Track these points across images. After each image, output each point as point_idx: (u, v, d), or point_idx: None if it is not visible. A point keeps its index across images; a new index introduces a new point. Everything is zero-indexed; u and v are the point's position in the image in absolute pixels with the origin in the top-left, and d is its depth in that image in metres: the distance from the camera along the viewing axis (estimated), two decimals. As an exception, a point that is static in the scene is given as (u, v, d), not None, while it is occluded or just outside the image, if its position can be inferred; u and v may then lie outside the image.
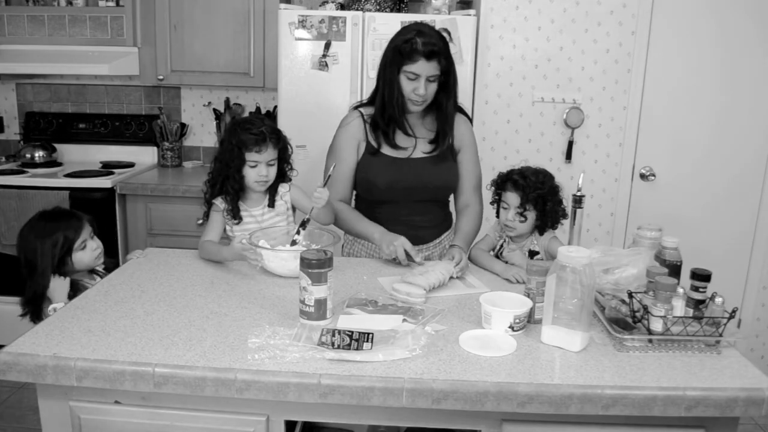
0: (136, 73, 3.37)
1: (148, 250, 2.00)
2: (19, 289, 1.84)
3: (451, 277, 1.77)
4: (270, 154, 1.94)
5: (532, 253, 1.95)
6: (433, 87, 1.91)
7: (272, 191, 2.02)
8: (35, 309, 1.84)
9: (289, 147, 2.03)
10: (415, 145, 2.02)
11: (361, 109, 2.05)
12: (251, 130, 1.93)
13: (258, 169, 1.93)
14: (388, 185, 2.01)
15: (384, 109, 1.96)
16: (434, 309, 1.56)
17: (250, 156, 1.92)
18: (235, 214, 1.96)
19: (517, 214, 1.90)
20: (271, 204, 2.01)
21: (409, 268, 1.84)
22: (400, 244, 1.88)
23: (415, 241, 2.00)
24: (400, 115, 1.96)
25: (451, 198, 2.18)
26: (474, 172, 2.12)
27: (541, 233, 1.95)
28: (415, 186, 2.01)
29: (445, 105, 1.97)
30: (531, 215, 1.91)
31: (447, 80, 1.93)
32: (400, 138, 2.00)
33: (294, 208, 2.09)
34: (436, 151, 2.03)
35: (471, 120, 2.15)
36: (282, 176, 2.03)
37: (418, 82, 1.88)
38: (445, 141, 2.03)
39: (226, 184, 1.95)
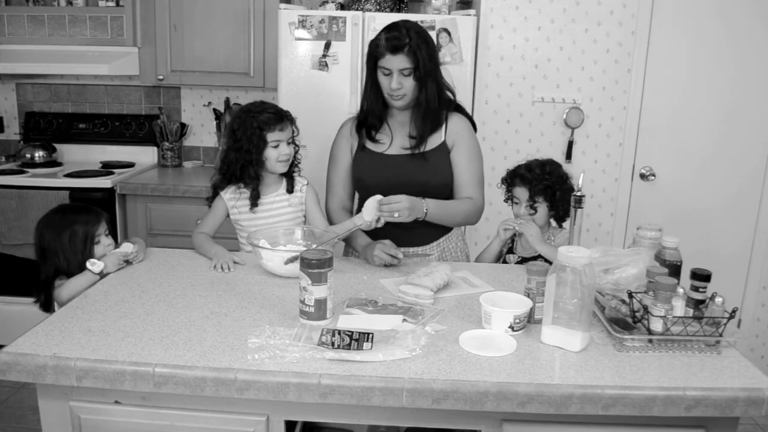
0: (136, 73, 3.36)
1: (148, 250, 1.98)
2: (20, 288, 1.85)
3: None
4: (289, 131, 2.00)
5: None
6: (409, 81, 1.90)
7: (289, 178, 2.05)
8: (46, 298, 1.85)
9: (296, 128, 2.06)
10: (391, 139, 2.02)
11: (360, 115, 2.07)
12: (268, 110, 1.98)
13: (280, 148, 1.97)
14: (375, 180, 2.00)
15: (365, 106, 2.01)
16: (434, 309, 1.56)
17: (272, 135, 1.96)
18: (255, 200, 1.99)
19: (528, 207, 1.96)
20: (290, 189, 2.03)
21: (405, 265, 1.88)
22: (379, 251, 1.88)
23: (407, 242, 2.01)
24: (379, 110, 1.99)
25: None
26: (469, 169, 2.04)
27: (560, 223, 2.00)
28: (399, 183, 1.97)
29: (420, 99, 1.95)
30: (542, 207, 1.97)
31: (419, 72, 1.90)
32: (381, 134, 2.03)
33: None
34: (416, 148, 2.00)
35: (473, 121, 2.11)
36: (292, 163, 2.06)
37: (391, 77, 1.90)
38: (425, 137, 1.99)
39: (247, 170, 1.96)
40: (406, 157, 2.01)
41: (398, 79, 1.89)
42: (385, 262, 1.88)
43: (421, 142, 1.99)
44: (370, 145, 2.04)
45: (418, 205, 1.87)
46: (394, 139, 2.03)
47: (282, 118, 1.98)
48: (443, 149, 2.03)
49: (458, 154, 2.04)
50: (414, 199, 1.86)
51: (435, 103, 1.96)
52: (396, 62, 1.87)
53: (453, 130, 2.03)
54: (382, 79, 1.93)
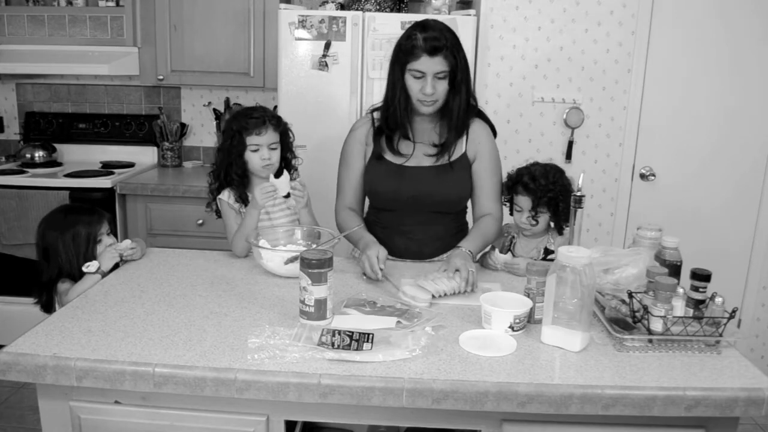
0: (136, 73, 3.37)
1: (149, 250, 1.98)
2: (20, 288, 1.85)
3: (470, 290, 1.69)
4: (270, 137, 1.98)
5: (548, 251, 1.97)
6: (443, 85, 1.80)
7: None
8: (48, 299, 1.86)
9: (290, 133, 2.05)
10: (413, 150, 1.93)
11: (374, 114, 1.99)
12: (251, 115, 1.98)
13: (260, 152, 1.97)
14: (390, 193, 1.95)
15: (388, 111, 1.89)
16: (431, 312, 1.54)
17: (251, 140, 1.96)
18: (245, 200, 2.00)
19: (530, 217, 1.94)
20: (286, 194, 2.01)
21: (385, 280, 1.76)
22: (365, 261, 1.75)
23: (416, 255, 1.98)
24: (402, 117, 1.87)
25: (469, 210, 2.06)
26: (491, 181, 1.97)
27: (560, 231, 1.98)
28: (416, 195, 1.92)
29: (451, 105, 1.85)
30: (544, 216, 1.94)
31: (455, 77, 1.81)
32: (403, 143, 1.93)
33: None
34: (441, 158, 1.92)
35: (493, 127, 2.02)
36: (288, 166, 2.05)
37: (424, 81, 1.78)
38: (451, 146, 1.91)
39: (229, 171, 1.99)
40: (428, 169, 1.92)
41: (432, 83, 1.78)
42: (366, 273, 1.76)
43: (446, 151, 1.91)
44: (388, 155, 1.94)
45: (467, 257, 1.76)
46: (416, 149, 1.93)
47: (264, 122, 1.95)
48: (464, 160, 1.95)
49: (481, 166, 1.96)
50: (461, 257, 1.73)
51: (464, 110, 1.87)
52: (432, 65, 1.76)
53: (475, 139, 1.95)
54: (412, 83, 1.80)
